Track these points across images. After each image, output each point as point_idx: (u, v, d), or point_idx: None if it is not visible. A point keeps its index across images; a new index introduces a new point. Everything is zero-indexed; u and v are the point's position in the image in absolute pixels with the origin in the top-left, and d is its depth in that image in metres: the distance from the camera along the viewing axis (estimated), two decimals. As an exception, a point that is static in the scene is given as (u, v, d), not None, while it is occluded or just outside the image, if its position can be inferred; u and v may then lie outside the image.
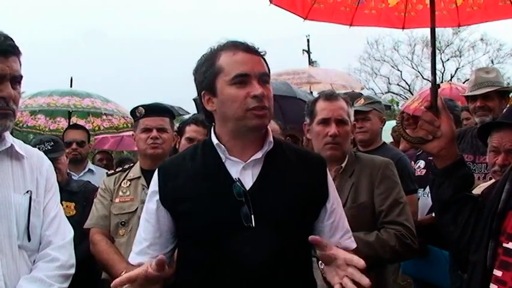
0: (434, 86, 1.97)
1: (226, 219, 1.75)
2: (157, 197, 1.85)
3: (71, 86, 6.92)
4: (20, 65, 1.90)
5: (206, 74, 1.81)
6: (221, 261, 1.74)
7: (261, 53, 1.84)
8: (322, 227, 1.91)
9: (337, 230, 1.94)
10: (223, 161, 1.82)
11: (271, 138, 1.86)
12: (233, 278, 1.73)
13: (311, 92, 8.27)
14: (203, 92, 1.84)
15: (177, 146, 3.74)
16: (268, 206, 1.77)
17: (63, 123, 6.76)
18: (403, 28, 3.10)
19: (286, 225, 1.79)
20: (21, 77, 1.90)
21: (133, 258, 1.89)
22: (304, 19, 3.11)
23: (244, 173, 1.82)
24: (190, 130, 3.63)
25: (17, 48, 1.87)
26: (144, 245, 1.87)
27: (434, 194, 1.91)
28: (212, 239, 1.75)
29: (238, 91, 1.75)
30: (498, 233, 1.63)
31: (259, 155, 1.83)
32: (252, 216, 1.73)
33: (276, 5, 3.03)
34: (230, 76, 1.76)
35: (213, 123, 1.89)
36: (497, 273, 1.60)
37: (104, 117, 6.91)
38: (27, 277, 1.85)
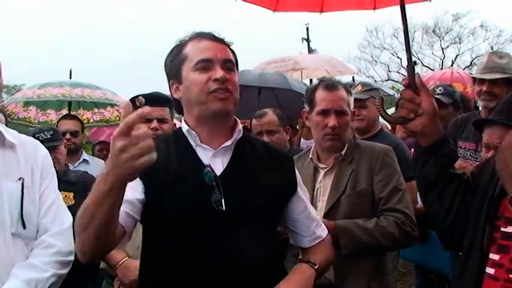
0: (410, 63, 1.92)
1: (198, 204, 1.75)
2: None
3: (70, 78, 6.87)
4: None
5: (173, 62, 1.88)
6: (194, 247, 1.74)
7: (227, 43, 1.90)
8: (300, 218, 2.00)
9: (312, 221, 2.04)
10: (194, 147, 1.85)
11: (240, 127, 1.90)
12: (208, 262, 1.73)
13: (310, 81, 8.27)
14: (171, 81, 1.90)
15: None
16: (239, 191, 1.79)
17: (52, 115, 6.77)
18: (374, 9, 3.02)
19: (259, 211, 1.84)
20: None
21: None
22: (274, 11, 3.06)
23: (214, 160, 1.83)
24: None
25: None
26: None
27: (419, 172, 1.88)
28: (184, 224, 1.74)
29: (201, 76, 1.80)
30: (494, 218, 1.62)
31: (229, 142, 1.86)
32: (223, 200, 1.73)
33: (243, 1, 2.97)
34: (193, 62, 1.81)
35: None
36: (495, 257, 1.60)
37: (96, 110, 6.92)
38: (21, 264, 1.83)
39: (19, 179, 1.89)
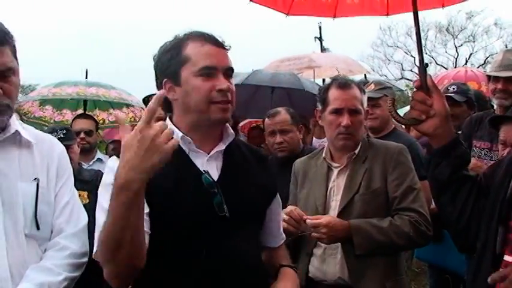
0: (422, 65, 1.90)
1: (200, 210, 1.72)
2: None
3: (86, 78, 6.91)
4: (14, 52, 1.80)
5: (171, 61, 1.80)
6: (200, 253, 1.71)
7: (227, 48, 1.85)
8: (276, 219, 2.07)
9: (281, 222, 2.14)
10: (187, 153, 1.81)
11: (231, 130, 1.88)
12: (213, 268, 1.71)
13: (323, 81, 8.23)
14: (165, 80, 1.81)
15: None
16: (237, 195, 1.79)
17: (68, 115, 6.80)
18: (387, 15, 3.05)
19: (255, 214, 1.90)
20: (12, 68, 1.77)
21: None
22: (287, 15, 3.08)
23: (209, 164, 1.82)
24: None
25: (5, 36, 1.74)
26: None
27: (431, 174, 1.87)
28: (188, 231, 1.71)
29: (204, 83, 1.75)
30: (507, 219, 1.61)
31: (222, 146, 1.86)
32: (225, 206, 1.73)
33: (255, 3, 2.99)
34: (197, 67, 1.76)
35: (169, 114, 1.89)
36: (509, 258, 1.58)
37: (112, 110, 6.96)
38: (34, 266, 1.82)
39: (34, 179, 1.88)
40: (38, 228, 1.85)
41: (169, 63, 1.80)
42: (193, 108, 1.78)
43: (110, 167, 1.72)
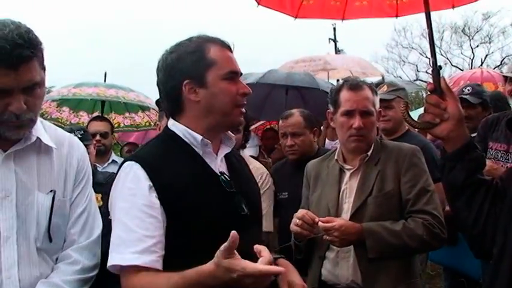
0: (436, 68, 1.87)
1: (223, 211, 1.77)
2: (155, 193, 1.72)
3: (105, 81, 6.94)
4: (41, 62, 1.74)
5: (196, 63, 1.82)
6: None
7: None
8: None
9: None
10: (201, 155, 1.85)
11: (231, 133, 1.96)
12: None
13: (337, 81, 8.20)
14: (186, 81, 1.81)
15: None
16: (247, 195, 1.89)
17: (85, 117, 6.88)
18: (396, 16, 3.08)
19: (258, 212, 1.99)
20: (37, 83, 1.71)
21: (136, 258, 1.65)
22: (295, 18, 3.10)
23: (221, 166, 1.89)
24: None
25: (32, 50, 1.65)
26: (150, 243, 1.67)
27: (445, 179, 1.84)
28: (212, 233, 1.69)
29: (231, 86, 1.83)
30: None
31: (227, 149, 1.94)
32: (243, 205, 1.83)
33: (264, 6, 3.02)
34: (224, 71, 1.83)
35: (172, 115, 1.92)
36: None
37: (127, 114, 7.04)
38: (44, 281, 1.78)
39: (50, 191, 1.83)
40: (50, 240, 1.82)
41: (194, 65, 1.83)
42: (217, 110, 1.84)
43: (134, 175, 1.74)
